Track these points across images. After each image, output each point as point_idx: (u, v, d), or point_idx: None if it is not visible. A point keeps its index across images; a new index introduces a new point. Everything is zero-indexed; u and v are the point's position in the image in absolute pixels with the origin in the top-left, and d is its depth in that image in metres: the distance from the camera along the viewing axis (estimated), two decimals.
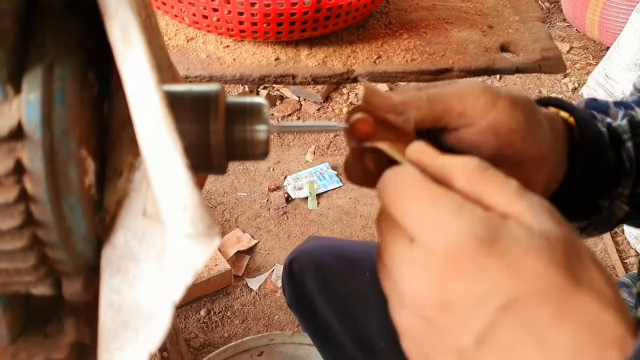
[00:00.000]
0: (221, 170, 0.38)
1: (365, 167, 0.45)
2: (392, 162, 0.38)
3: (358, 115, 0.42)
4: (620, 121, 0.60)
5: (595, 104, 0.62)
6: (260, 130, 0.38)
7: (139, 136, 0.27)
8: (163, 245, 0.28)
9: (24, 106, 0.28)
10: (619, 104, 0.63)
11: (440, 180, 0.35)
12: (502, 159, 0.44)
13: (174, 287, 0.27)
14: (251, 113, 0.38)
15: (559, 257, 0.31)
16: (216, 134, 0.36)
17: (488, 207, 0.33)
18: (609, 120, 0.60)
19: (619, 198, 0.57)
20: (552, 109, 0.53)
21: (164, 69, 0.45)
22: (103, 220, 0.32)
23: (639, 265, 0.60)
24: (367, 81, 0.43)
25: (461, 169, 0.35)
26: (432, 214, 0.33)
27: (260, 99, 0.39)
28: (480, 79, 2.56)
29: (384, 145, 0.40)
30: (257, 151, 0.39)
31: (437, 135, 0.46)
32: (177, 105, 0.36)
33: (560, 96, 2.49)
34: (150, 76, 0.27)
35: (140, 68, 0.27)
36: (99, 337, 0.32)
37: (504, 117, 0.44)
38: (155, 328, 0.28)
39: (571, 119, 0.52)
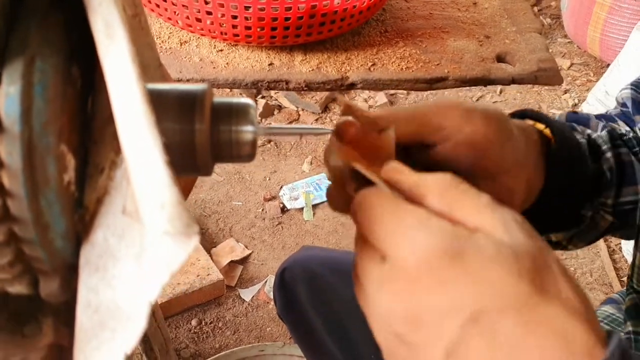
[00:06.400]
0: (207, 171, 0.38)
1: (347, 195, 0.45)
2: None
3: (345, 118, 0.42)
4: (600, 132, 0.61)
5: (575, 117, 0.63)
6: (246, 131, 0.38)
7: (119, 131, 0.27)
8: (142, 244, 0.28)
9: (3, 99, 0.27)
10: (600, 117, 0.65)
11: (414, 198, 0.35)
12: (480, 172, 0.46)
13: (150, 287, 0.26)
14: (237, 113, 0.38)
15: (524, 269, 0.31)
16: (201, 134, 0.36)
17: (460, 221, 0.33)
18: (589, 131, 0.61)
19: (603, 208, 0.58)
20: (529, 122, 0.54)
21: (153, 68, 0.44)
22: (82, 217, 0.32)
23: (628, 281, 0.60)
24: (345, 98, 0.43)
25: (434, 185, 0.35)
26: (399, 230, 0.33)
27: (247, 100, 0.39)
28: (477, 89, 2.56)
29: (359, 166, 0.40)
30: (243, 152, 0.38)
31: (415, 154, 0.47)
32: (163, 103, 0.36)
33: (559, 112, 2.50)
34: (132, 70, 0.26)
35: (122, 61, 0.26)
36: (75, 337, 0.31)
37: (479, 129, 0.45)
38: (132, 329, 0.28)
39: (547, 130, 0.53)
